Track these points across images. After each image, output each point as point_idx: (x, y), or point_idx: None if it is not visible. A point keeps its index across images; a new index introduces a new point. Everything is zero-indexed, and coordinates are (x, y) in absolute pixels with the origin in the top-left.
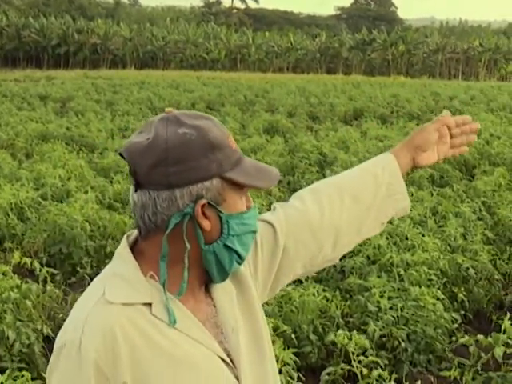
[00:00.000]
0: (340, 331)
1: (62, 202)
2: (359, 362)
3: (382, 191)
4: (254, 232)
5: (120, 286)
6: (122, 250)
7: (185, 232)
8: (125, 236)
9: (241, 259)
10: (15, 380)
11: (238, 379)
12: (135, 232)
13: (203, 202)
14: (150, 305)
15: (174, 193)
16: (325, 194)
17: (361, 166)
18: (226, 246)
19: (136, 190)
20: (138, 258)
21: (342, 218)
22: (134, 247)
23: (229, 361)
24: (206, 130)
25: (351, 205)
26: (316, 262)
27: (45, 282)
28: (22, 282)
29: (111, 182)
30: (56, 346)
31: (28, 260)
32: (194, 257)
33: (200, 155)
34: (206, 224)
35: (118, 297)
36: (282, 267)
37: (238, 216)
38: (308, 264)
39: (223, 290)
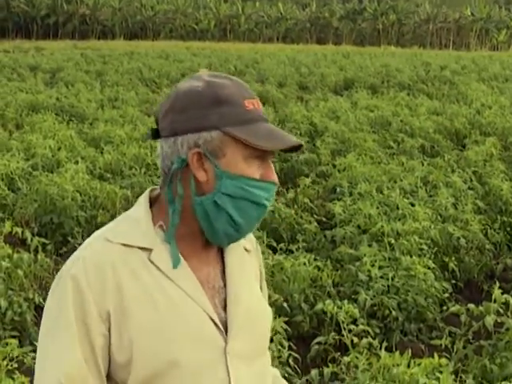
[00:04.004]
0: (329, 300)
1: (52, 173)
2: (350, 331)
3: None
4: (258, 204)
5: (124, 228)
6: (141, 198)
7: (179, 177)
8: (149, 188)
9: (236, 225)
10: (5, 347)
11: (226, 344)
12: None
13: (196, 150)
14: (149, 251)
15: (177, 140)
16: None
17: None
18: (215, 202)
19: (154, 139)
20: (155, 207)
21: None
22: (157, 199)
23: (218, 321)
24: (217, 85)
25: None
26: None
27: (36, 251)
28: (13, 252)
29: (102, 152)
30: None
31: (19, 230)
32: (189, 208)
33: (202, 106)
34: (200, 175)
35: (118, 237)
36: None
37: (238, 177)
38: None
39: (237, 258)
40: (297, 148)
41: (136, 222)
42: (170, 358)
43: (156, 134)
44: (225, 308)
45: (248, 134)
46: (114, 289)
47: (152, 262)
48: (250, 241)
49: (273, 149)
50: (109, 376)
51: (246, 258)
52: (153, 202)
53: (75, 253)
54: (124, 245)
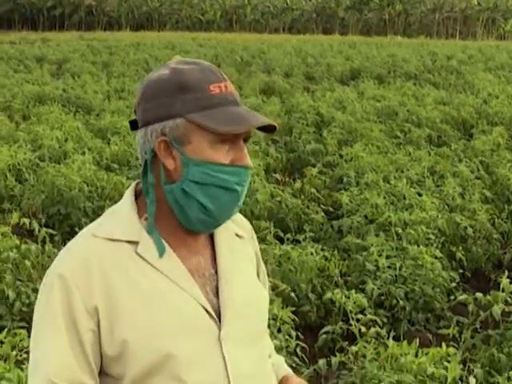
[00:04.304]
0: (337, 290)
1: (59, 164)
2: (357, 320)
3: None
4: (228, 189)
5: (110, 223)
6: (127, 191)
7: (150, 166)
8: (135, 182)
9: (207, 211)
10: (14, 337)
11: (220, 330)
12: None
13: (162, 138)
14: (136, 244)
15: (147, 129)
16: None
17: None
18: (183, 190)
19: (133, 130)
20: (140, 200)
21: None
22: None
23: (210, 309)
24: (182, 72)
25: None
26: None
27: (44, 242)
28: (21, 243)
29: (108, 143)
30: None
31: (27, 221)
32: (163, 197)
33: (168, 94)
34: (168, 163)
35: (104, 232)
36: None
37: (203, 163)
38: None
39: (228, 244)
40: (271, 129)
41: (121, 216)
42: (164, 351)
43: (135, 125)
44: (217, 295)
45: (209, 118)
46: (101, 284)
47: (139, 255)
48: (243, 227)
49: (232, 132)
50: (103, 371)
51: (238, 244)
52: (138, 194)
53: (62, 251)
54: (110, 239)
